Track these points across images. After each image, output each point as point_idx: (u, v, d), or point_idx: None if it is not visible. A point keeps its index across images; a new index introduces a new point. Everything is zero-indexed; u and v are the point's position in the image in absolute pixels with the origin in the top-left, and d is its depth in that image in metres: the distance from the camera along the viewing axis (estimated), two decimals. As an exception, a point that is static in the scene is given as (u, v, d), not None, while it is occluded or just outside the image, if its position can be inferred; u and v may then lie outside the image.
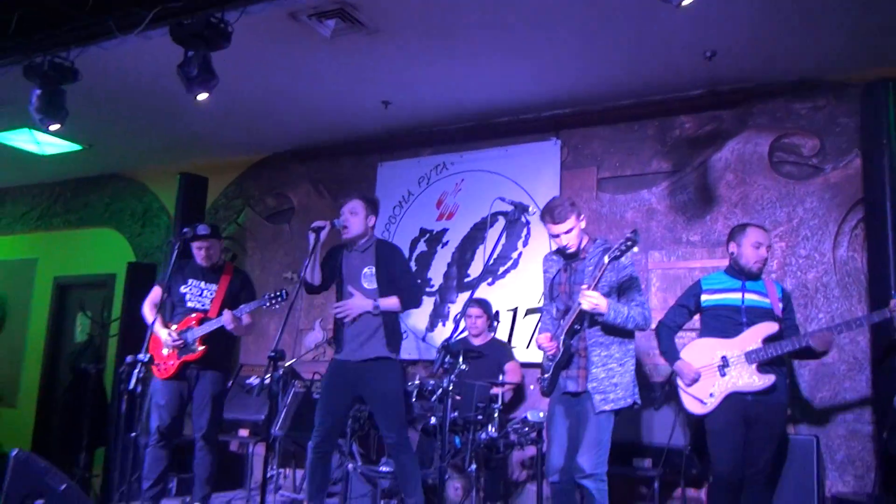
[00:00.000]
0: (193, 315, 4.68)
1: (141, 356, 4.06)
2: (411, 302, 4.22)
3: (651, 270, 5.33)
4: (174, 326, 4.69)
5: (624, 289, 3.60)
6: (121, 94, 5.74)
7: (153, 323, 4.51)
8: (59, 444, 7.35)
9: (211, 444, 4.66)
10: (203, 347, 4.61)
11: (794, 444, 4.32)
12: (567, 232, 3.59)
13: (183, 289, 4.76)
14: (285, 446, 5.84)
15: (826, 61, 4.80)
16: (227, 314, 4.54)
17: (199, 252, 4.72)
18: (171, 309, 4.83)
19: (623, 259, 3.49)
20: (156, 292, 4.85)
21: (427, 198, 6.27)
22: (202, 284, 4.74)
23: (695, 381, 3.86)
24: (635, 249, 3.39)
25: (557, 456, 3.60)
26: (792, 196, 4.99)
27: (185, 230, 4.54)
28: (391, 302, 4.12)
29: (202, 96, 4.29)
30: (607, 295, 3.51)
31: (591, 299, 3.41)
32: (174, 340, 4.57)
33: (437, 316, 6.05)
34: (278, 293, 4.56)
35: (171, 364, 4.62)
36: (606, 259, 3.42)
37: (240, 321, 4.60)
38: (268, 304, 4.54)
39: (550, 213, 3.59)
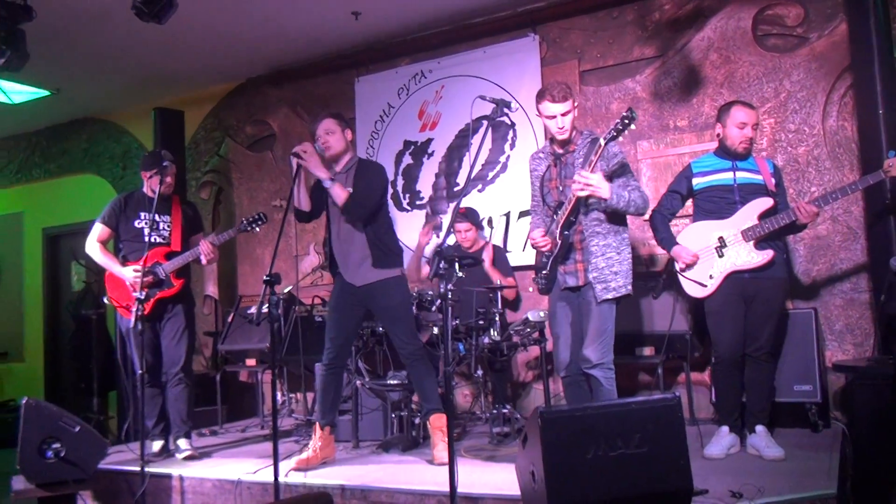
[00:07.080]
0: (155, 249, 4.43)
1: (138, 294, 3.95)
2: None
3: (641, 160, 5.26)
4: (137, 264, 4.38)
5: (616, 177, 3.53)
6: (81, 32, 5.53)
7: (110, 264, 4.46)
8: (72, 392, 7.47)
9: (189, 376, 4.58)
10: (181, 280, 4.50)
11: (794, 317, 4.35)
12: (564, 114, 3.51)
13: (137, 223, 4.53)
14: (292, 371, 5.90)
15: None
16: (204, 244, 4.37)
17: (166, 181, 4.44)
18: (125, 246, 4.59)
19: (612, 147, 3.44)
20: (103, 231, 4.58)
21: (408, 109, 6.13)
22: (156, 217, 4.44)
23: (692, 264, 3.84)
24: (632, 127, 3.28)
25: (564, 351, 3.62)
26: (778, 70, 4.88)
27: (163, 162, 4.38)
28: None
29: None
30: None
31: (591, 182, 3.34)
32: (145, 278, 4.18)
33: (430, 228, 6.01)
34: (256, 216, 4.41)
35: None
36: (602, 141, 3.35)
37: (217, 250, 4.45)
38: (248, 228, 4.39)
39: (550, 92, 3.50)
